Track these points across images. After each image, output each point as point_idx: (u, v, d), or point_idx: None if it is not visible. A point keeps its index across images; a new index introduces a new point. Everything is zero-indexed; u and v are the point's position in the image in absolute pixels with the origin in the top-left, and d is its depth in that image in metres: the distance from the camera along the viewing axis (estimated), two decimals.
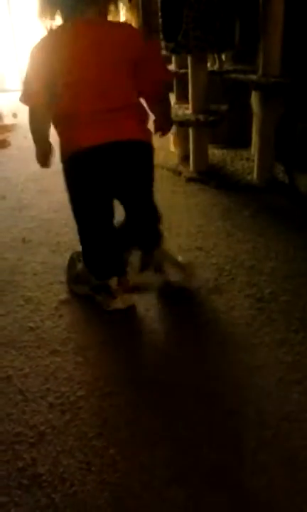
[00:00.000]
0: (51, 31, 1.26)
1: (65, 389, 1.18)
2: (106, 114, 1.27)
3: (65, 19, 1.25)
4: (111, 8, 1.30)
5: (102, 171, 1.32)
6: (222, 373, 1.21)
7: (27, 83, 1.28)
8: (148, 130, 1.39)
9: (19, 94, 1.30)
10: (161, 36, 2.39)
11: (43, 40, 1.24)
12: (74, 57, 1.23)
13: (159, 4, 2.35)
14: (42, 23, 1.27)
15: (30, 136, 1.36)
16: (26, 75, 1.27)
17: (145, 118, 1.37)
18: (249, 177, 2.44)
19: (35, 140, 1.37)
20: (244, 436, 1.02)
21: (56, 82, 1.24)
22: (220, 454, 0.99)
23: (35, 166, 1.43)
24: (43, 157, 1.39)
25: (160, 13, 2.37)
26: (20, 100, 1.31)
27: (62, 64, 1.23)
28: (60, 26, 1.26)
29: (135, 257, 1.57)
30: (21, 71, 6.16)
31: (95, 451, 1.01)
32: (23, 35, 6.35)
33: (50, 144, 1.37)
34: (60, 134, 1.33)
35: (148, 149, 1.40)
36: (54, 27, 1.26)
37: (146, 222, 1.52)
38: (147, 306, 1.48)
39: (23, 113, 1.36)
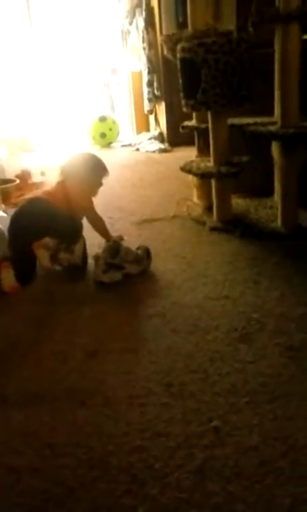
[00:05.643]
0: None
1: (94, 443, 1.15)
2: None
3: None
4: None
5: None
6: (253, 425, 1.17)
7: None
8: None
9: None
10: (181, 94, 2.50)
11: None
12: None
13: (179, 66, 2.47)
14: None
15: None
16: None
17: None
18: (273, 224, 2.45)
19: None
20: (278, 493, 0.98)
21: None
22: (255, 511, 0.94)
23: None
24: None
25: (179, 74, 2.48)
26: None
27: None
28: None
29: (101, 260, 2.01)
30: (45, 133, 6.48)
31: (124, 510, 0.97)
32: (45, 100, 6.73)
33: None
34: None
35: None
36: None
37: None
38: (175, 359, 1.47)
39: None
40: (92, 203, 2.19)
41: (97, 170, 2.17)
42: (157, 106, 5.69)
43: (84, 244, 2.14)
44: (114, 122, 6.09)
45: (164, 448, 1.12)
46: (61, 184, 2.15)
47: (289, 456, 1.07)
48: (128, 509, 0.97)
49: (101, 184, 2.20)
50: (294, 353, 1.44)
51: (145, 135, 5.91)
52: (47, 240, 2.09)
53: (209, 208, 2.76)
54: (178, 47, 2.41)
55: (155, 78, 5.43)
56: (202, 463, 1.07)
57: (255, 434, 1.14)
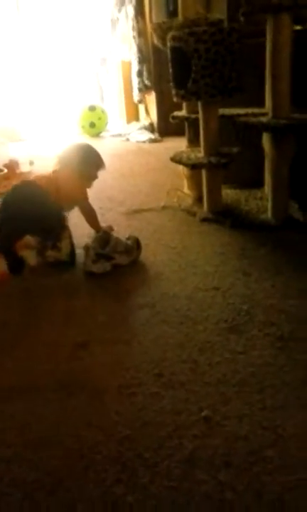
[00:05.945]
0: None
1: (83, 433, 1.15)
2: None
3: None
4: None
5: None
6: (243, 415, 1.18)
7: None
8: None
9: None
10: (172, 84, 2.48)
11: None
12: None
13: (169, 55, 2.45)
14: None
15: None
16: None
17: None
18: (263, 216, 2.45)
19: None
20: (267, 481, 0.98)
21: None
22: (244, 499, 0.95)
23: None
24: None
25: (170, 63, 2.46)
26: None
27: None
28: None
29: (91, 250, 2.00)
30: (34, 122, 6.43)
31: (114, 499, 0.98)
32: (34, 90, 6.67)
33: None
34: None
35: None
36: None
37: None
38: (165, 349, 1.47)
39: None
40: (85, 193, 2.18)
41: (94, 162, 2.16)
42: (147, 96, 5.65)
43: (71, 240, 2.12)
44: (103, 112, 6.05)
45: (154, 437, 1.12)
46: (57, 173, 2.13)
47: (278, 445, 1.08)
48: (118, 498, 0.98)
49: (96, 177, 2.18)
50: (284, 343, 1.45)
51: (135, 125, 5.88)
52: (29, 239, 2.07)
53: (199, 199, 2.75)
54: (168, 36, 2.38)
55: (145, 67, 5.39)
56: (192, 452, 1.07)
57: (245, 423, 1.15)
